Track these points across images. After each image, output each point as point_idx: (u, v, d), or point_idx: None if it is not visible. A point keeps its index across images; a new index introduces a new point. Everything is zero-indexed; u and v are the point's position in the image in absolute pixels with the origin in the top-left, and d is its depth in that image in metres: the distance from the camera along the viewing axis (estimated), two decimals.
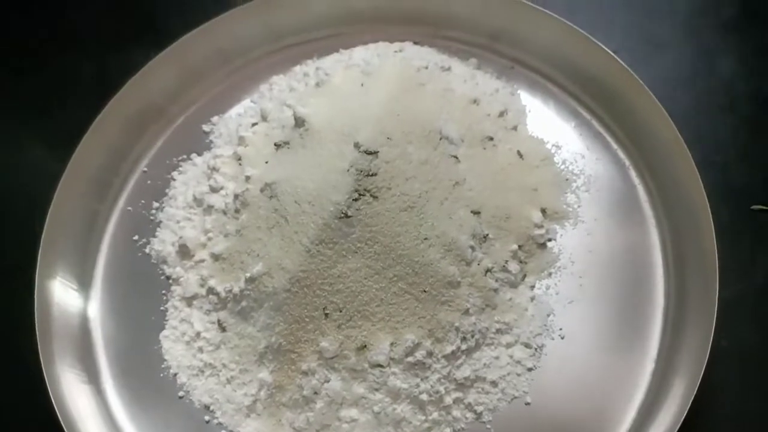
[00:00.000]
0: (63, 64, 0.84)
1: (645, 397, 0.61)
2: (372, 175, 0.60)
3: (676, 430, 0.56)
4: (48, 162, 0.72)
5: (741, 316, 0.66)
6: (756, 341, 0.65)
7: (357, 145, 0.61)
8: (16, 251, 0.67)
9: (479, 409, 0.60)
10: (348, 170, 0.61)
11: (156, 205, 0.73)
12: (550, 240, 0.68)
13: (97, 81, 0.82)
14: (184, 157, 0.76)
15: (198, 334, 0.65)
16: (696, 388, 0.56)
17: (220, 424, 0.61)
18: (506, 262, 0.65)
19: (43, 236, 0.66)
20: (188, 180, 0.74)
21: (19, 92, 0.83)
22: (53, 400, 0.59)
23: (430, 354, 0.60)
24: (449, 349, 0.60)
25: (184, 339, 0.65)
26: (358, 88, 0.69)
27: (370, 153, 0.61)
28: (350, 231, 0.59)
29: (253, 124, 0.74)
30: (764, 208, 0.71)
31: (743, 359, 0.64)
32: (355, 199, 0.60)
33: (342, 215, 0.59)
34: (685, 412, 0.56)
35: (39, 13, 0.89)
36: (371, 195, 0.60)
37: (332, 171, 0.61)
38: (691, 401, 0.56)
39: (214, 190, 0.70)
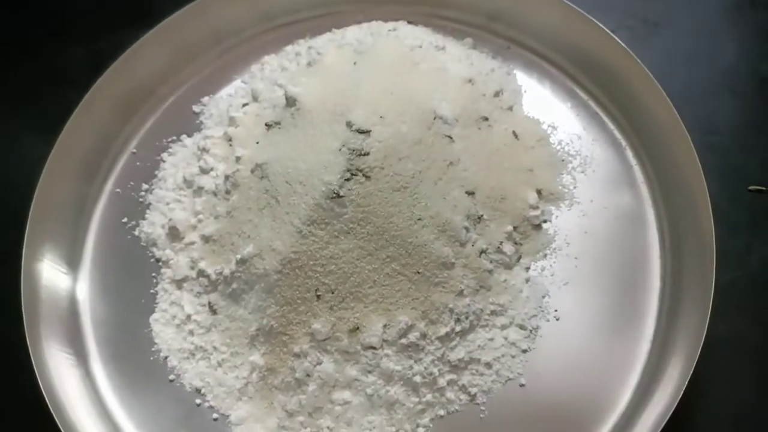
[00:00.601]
0: (53, 49, 0.83)
1: (641, 378, 0.60)
2: (364, 154, 0.59)
3: (672, 411, 0.55)
4: (37, 147, 0.71)
5: (737, 299, 0.65)
6: (752, 324, 0.65)
7: (349, 124, 0.60)
8: (5, 236, 0.66)
9: (473, 390, 0.59)
10: (340, 150, 0.59)
11: (145, 187, 0.72)
12: (545, 221, 0.67)
13: (88, 65, 0.80)
14: (174, 138, 0.74)
15: (188, 317, 0.64)
16: (692, 370, 0.56)
17: (211, 407, 0.61)
18: (501, 243, 0.64)
19: (29, 219, 0.65)
20: (178, 161, 0.72)
21: (8, 78, 0.82)
22: (41, 385, 0.58)
23: (423, 336, 0.59)
24: (443, 330, 0.59)
25: (175, 322, 0.64)
26: (350, 67, 0.68)
27: (362, 132, 0.60)
28: (342, 211, 0.58)
29: (244, 105, 0.73)
30: (761, 188, 0.70)
31: (739, 341, 0.64)
32: (347, 179, 0.59)
33: (334, 195, 0.58)
34: (681, 394, 0.55)
35: None
36: (364, 175, 0.59)
37: (324, 150, 0.60)
38: (687, 383, 0.55)
39: (204, 171, 0.69)
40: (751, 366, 0.63)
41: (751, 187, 0.71)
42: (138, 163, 0.73)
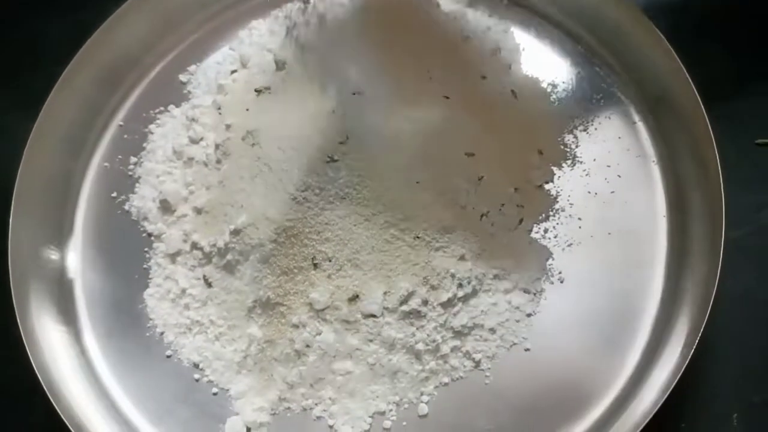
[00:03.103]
0: (33, 20, 0.80)
1: (649, 340, 0.59)
2: (358, 116, 0.57)
3: (682, 372, 0.54)
4: (20, 121, 0.68)
5: (746, 255, 0.63)
6: (762, 279, 0.63)
7: (341, 86, 0.58)
8: None
9: (477, 356, 0.58)
10: (333, 112, 0.57)
11: (134, 160, 0.70)
12: (547, 182, 0.65)
13: (70, 36, 0.77)
14: (162, 109, 0.72)
15: (183, 291, 0.62)
16: (701, 331, 0.54)
17: (210, 382, 0.59)
18: (502, 205, 0.62)
19: (14, 196, 0.63)
20: (167, 132, 0.70)
21: None
22: (34, 364, 0.57)
23: (425, 302, 0.57)
24: (445, 296, 0.58)
25: (170, 297, 0.62)
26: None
27: (355, 93, 0.58)
28: (337, 176, 0.57)
29: (233, 72, 0.70)
30: None
31: (749, 298, 0.62)
32: (341, 142, 0.57)
33: (328, 159, 0.56)
34: (691, 354, 0.54)
35: None
36: (358, 137, 0.57)
37: (316, 114, 0.58)
38: (695, 344, 0.54)
39: (193, 141, 0.67)
40: (762, 322, 0.62)
41: (758, 141, 0.69)
42: (125, 136, 0.71)
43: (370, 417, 0.57)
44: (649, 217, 0.63)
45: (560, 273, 0.62)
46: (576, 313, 0.60)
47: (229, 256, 0.60)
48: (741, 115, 0.70)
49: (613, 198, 0.64)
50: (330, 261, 0.57)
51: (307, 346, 0.58)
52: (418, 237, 0.58)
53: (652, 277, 0.61)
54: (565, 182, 0.65)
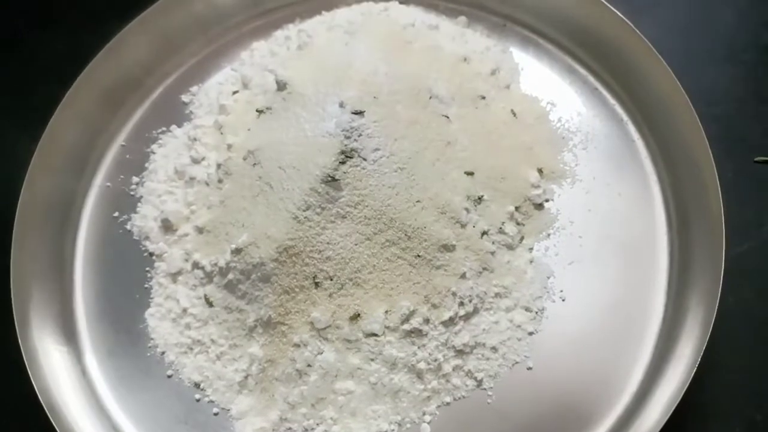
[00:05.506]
0: (36, 41, 0.81)
1: (651, 358, 0.59)
2: (359, 135, 0.57)
3: (685, 390, 0.53)
4: (23, 142, 0.69)
5: (747, 271, 0.63)
6: (763, 296, 0.63)
7: (342, 105, 0.58)
8: None
9: (480, 375, 0.58)
10: (333, 131, 0.58)
11: (136, 180, 0.70)
12: (547, 200, 0.65)
13: (72, 58, 0.78)
14: (164, 129, 0.73)
15: (185, 310, 0.62)
16: (703, 349, 0.54)
17: (211, 402, 0.59)
18: (503, 223, 0.62)
19: (16, 215, 0.63)
20: (169, 153, 0.71)
21: None
22: (34, 384, 0.57)
23: (426, 321, 0.57)
24: (446, 315, 0.57)
25: (171, 316, 0.62)
26: (341, 47, 0.66)
27: (356, 113, 0.58)
28: (338, 195, 0.57)
29: (234, 92, 0.71)
30: None
31: (750, 314, 0.62)
32: (342, 162, 0.57)
33: (329, 179, 0.56)
34: (693, 372, 0.54)
35: None
36: (359, 156, 0.57)
37: (317, 133, 0.58)
38: (698, 362, 0.54)
39: (195, 161, 0.68)
40: (764, 339, 0.62)
41: (757, 159, 0.69)
42: (128, 156, 0.72)
43: None
44: (650, 235, 0.63)
45: (561, 291, 0.62)
46: (578, 332, 0.60)
47: (230, 276, 0.60)
48: (739, 133, 0.70)
49: (614, 216, 0.65)
50: (331, 280, 0.57)
51: (309, 365, 0.57)
52: (419, 256, 0.58)
53: (653, 295, 0.61)
54: (565, 200, 0.66)
